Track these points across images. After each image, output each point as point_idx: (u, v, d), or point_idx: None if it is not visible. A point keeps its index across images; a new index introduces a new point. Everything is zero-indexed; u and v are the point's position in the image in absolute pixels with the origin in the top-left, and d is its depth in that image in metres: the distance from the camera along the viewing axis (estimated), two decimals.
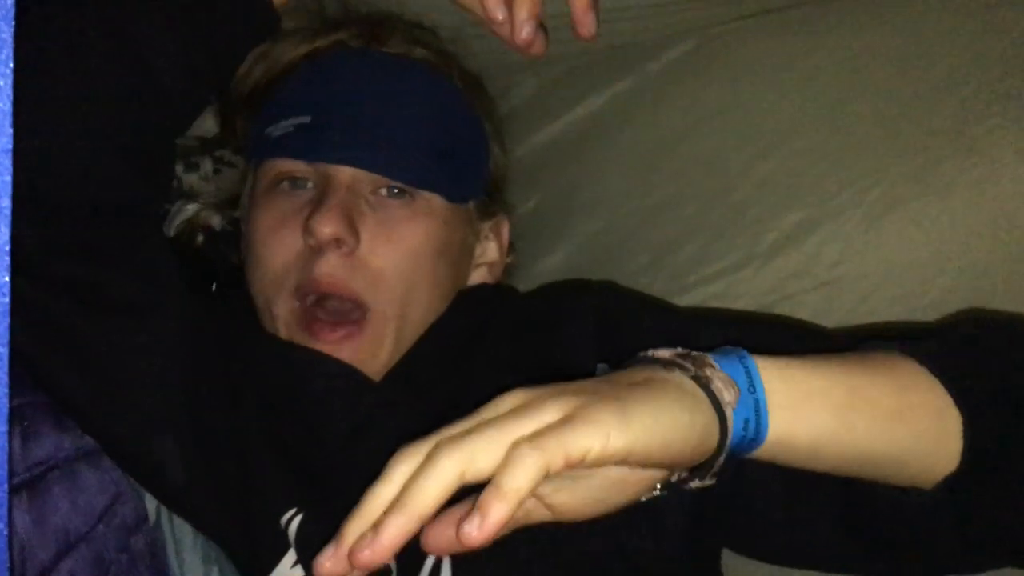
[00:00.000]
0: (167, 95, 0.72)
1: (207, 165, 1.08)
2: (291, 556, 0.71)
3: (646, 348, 0.56)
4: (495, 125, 0.93)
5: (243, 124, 0.90)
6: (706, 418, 0.50)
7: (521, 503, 0.44)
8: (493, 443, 0.45)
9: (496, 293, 0.91)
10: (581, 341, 0.78)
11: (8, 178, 0.34)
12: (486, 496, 0.43)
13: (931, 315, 0.84)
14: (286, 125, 0.80)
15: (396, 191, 0.80)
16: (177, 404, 0.74)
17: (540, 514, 0.53)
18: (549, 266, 1.09)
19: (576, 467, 0.45)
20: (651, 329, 0.79)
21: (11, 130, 0.35)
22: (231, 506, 0.74)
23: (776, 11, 0.96)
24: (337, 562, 0.45)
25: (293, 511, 0.71)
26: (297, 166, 0.80)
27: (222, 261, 0.95)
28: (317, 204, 0.77)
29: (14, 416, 0.66)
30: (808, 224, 0.91)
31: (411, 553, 0.70)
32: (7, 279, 0.36)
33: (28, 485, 0.67)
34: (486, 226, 0.91)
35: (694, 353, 0.54)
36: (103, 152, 0.70)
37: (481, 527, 0.43)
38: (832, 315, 0.89)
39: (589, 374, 0.53)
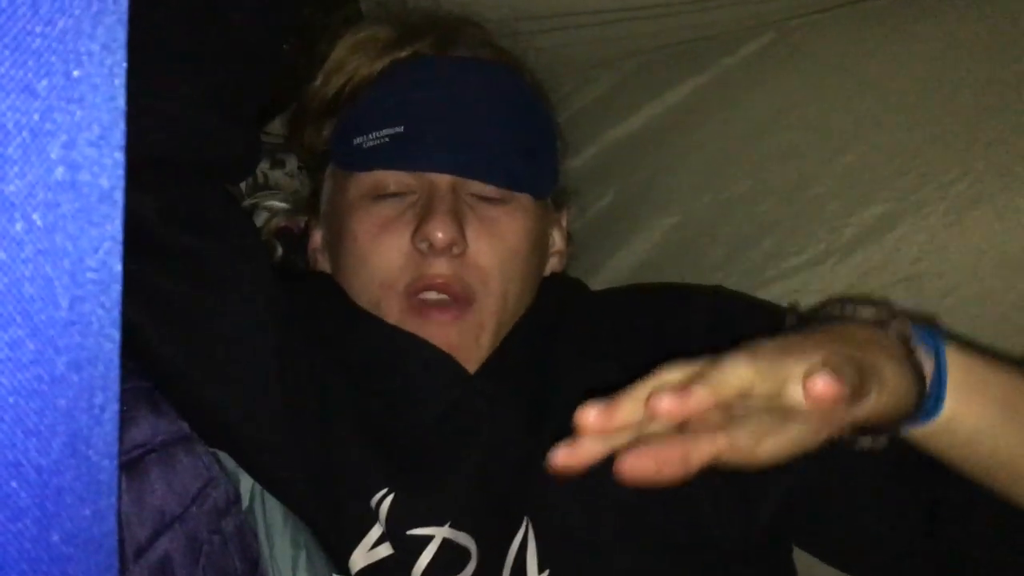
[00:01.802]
0: (243, 49, 0.74)
1: (292, 162, 1.11)
2: (375, 533, 0.73)
3: None
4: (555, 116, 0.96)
5: (311, 134, 0.92)
6: (912, 383, 0.54)
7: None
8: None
9: (566, 283, 0.94)
10: (693, 335, 0.79)
11: (121, 172, 0.37)
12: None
13: (1016, 312, 0.82)
14: (378, 136, 0.82)
15: (489, 195, 0.82)
16: (269, 379, 0.75)
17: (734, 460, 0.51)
18: (624, 261, 1.09)
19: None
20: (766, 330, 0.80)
21: (124, 125, 0.37)
22: (319, 483, 0.75)
23: (857, 2, 0.95)
24: (602, 418, 0.45)
25: (384, 491, 0.73)
26: (397, 176, 0.82)
27: (297, 265, 0.98)
28: (427, 210, 0.79)
29: None
30: (889, 218, 0.90)
31: (496, 535, 0.71)
32: (119, 268, 0.38)
33: (126, 466, 0.70)
34: (555, 216, 0.94)
35: (895, 316, 0.57)
36: (198, 108, 0.71)
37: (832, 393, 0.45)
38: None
39: None
